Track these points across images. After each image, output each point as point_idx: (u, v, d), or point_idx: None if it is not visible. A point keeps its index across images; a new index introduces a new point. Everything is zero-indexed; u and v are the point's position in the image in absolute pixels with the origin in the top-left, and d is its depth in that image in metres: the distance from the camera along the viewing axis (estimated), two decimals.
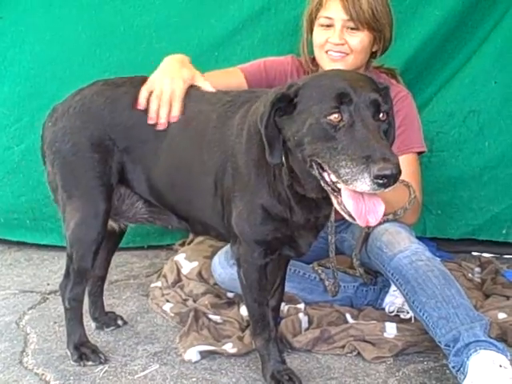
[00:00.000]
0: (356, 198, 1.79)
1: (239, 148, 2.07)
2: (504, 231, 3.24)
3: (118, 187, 2.34)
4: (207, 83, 2.32)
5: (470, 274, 2.85)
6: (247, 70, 2.62)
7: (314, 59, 2.66)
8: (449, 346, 2.09)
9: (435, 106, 3.16)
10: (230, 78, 2.55)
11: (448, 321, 2.12)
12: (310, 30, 2.63)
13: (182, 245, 3.39)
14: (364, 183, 1.70)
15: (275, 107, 1.87)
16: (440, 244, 3.16)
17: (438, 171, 3.11)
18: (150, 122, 2.24)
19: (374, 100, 1.79)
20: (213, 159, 2.16)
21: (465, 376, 2.01)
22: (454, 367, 2.06)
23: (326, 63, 2.56)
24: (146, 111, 2.25)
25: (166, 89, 2.26)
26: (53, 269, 3.35)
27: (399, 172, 1.69)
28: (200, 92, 2.32)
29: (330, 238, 2.42)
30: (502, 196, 3.20)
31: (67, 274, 2.38)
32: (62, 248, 3.43)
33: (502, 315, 2.47)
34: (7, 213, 3.52)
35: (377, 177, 1.68)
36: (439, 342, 2.13)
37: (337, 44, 2.52)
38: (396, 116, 2.55)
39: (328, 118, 1.77)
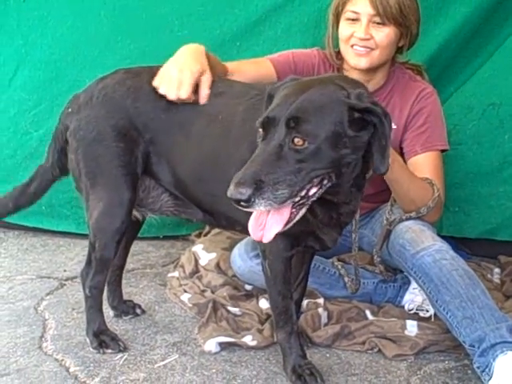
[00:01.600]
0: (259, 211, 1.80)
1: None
2: None
3: (144, 179, 2.30)
4: (207, 91, 2.24)
5: (489, 275, 2.81)
6: (277, 61, 2.57)
7: (338, 53, 2.61)
8: (473, 347, 2.06)
9: (454, 99, 3.07)
10: (260, 68, 2.50)
11: (473, 321, 2.08)
12: (336, 24, 2.58)
13: (198, 235, 3.34)
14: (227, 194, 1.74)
15: (268, 104, 1.90)
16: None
17: (454, 165, 2.99)
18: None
19: (291, 120, 1.75)
20: (240, 152, 2.12)
21: (490, 377, 1.97)
22: (478, 367, 2.03)
23: (351, 57, 2.51)
24: (169, 102, 2.21)
25: (173, 81, 2.21)
26: (69, 255, 3.32)
27: (246, 200, 1.70)
28: (226, 85, 2.28)
29: (353, 235, 2.37)
30: None
31: (89, 262, 2.35)
32: (77, 235, 3.48)
33: None
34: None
35: (228, 197, 1.72)
36: (463, 342, 2.10)
37: (362, 39, 2.47)
38: (420, 113, 2.56)
39: (258, 129, 1.82)
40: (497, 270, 2.90)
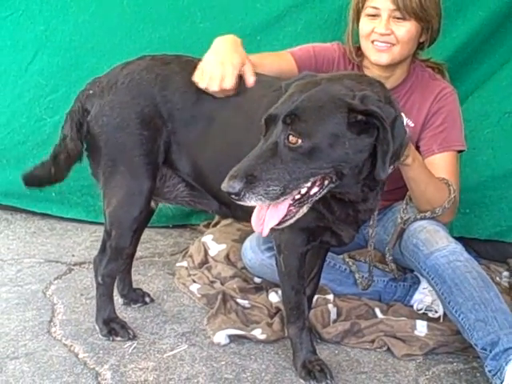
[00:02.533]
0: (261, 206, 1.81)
1: None
2: None
3: (161, 167, 2.25)
4: (252, 77, 2.21)
5: (497, 278, 2.77)
6: (297, 55, 2.52)
7: (358, 49, 2.57)
8: (485, 350, 2.03)
9: (470, 105, 3.05)
10: (282, 62, 2.46)
11: (486, 324, 2.04)
12: (357, 20, 2.53)
13: (207, 226, 3.31)
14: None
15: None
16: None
17: (468, 168, 2.98)
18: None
19: (287, 117, 1.74)
20: None
21: (501, 381, 1.94)
22: (490, 371, 2.00)
23: (372, 53, 2.47)
24: (196, 93, 2.18)
25: (215, 75, 2.17)
26: (77, 240, 3.29)
27: (236, 194, 1.71)
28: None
29: (370, 231, 2.34)
30: None
31: (103, 250, 2.30)
32: (84, 220, 3.44)
33: None
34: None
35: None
36: (475, 345, 2.06)
37: (383, 34, 2.42)
38: (439, 113, 2.51)
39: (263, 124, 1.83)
40: (505, 273, 2.87)
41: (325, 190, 1.81)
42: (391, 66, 2.49)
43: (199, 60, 2.27)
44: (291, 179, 1.73)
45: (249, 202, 1.72)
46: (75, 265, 2.96)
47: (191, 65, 2.23)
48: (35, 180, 2.36)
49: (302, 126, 1.73)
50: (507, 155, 3.05)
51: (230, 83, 2.16)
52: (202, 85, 2.17)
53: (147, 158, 2.18)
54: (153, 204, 2.41)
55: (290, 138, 1.73)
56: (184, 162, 2.23)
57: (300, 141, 1.73)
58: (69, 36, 3.20)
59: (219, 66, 2.18)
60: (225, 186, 1.72)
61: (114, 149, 2.19)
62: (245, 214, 2.24)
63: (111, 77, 2.24)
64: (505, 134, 3.06)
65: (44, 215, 3.54)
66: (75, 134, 2.27)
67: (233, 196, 1.72)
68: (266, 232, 1.81)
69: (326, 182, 1.79)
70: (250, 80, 2.20)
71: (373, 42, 2.45)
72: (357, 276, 2.57)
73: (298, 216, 1.82)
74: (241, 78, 2.20)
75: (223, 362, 2.19)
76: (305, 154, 1.73)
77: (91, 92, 2.24)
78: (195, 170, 2.23)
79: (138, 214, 2.20)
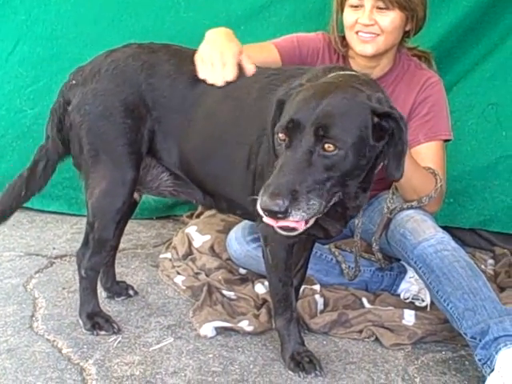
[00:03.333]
0: None
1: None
2: None
3: (145, 157, 2.19)
4: (249, 61, 2.18)
5: (483, 266, 2.76)
6: (281, 46, 2.47)
7: (344, 38, 2.52)
8: (475, 339, 2.00)
9: (455, 96, 3.04)
10: (265, 53, 2.40)
11: (475, 313, 2.02)
12: (341, 11, 2.48)
13: (190, 217, 3.25)
14: (259, 208, 1.66)
15: (277, 110, 1.82)
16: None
17: (452, 159, 2.95)
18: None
19: (320, 128, 1.67)
20: (249, 132, 2.04)
21: (491, 369, 1.91)
22: (480, 360, 1.97)
23: (357, 44, 2.42)
24: (185, 81, 2.14)
25: (217, 64, 2.13)
26: (57, 232, 3.20)
27: (283, 212, 1.63)
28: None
29: (356, 221, 2.30)
30: None
31: (86, 243, 2.24)
32: (65, 213, 3.35)
33: None
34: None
35: (261, 208, 1.65)
36: (464, 334, 2.03)
37: (366, 25, 2.38)
38: (425, 102, 2.48)
39: (279, 134, 1.74)
40: (491, 261, 2.87)
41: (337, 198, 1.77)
42: (377, 56, 2.45)
43: (189, 50, 2.22)
44: (326, 191, 1.69)
45: (292, 219, 1.65)
46: (56, 258, 2.88)
47: (180, 54, 2.19)
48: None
49: (337, 133, 1.67)
50: (491, 146, 3.08)
51: (231, 72, 2.12)
52: (201, 75, 2.12)
53: (131, 147, 2.12)
54: (136, 195, 2.34)
55: (326, 146, 1.67)
56: (169, 151, 2.17)
57: (336, 148, 1.67)
58: (50, 26, 3.13)
59: (219, 56, 2.14)
60: (268, 204, 1.62)
61: (96, 138, 2.12)
62: (230, 206, 2.21)
63: (94, 65, 2.18)
64: (489, 125, 3.08)
65: (22, 207, 3.44)
66: (56, 134, 2.22)
67: (278, 215, 1.63)
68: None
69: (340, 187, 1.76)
70: (250, 68, 2.16)
71: (357, 32, 2.41)
72: (343, 266, 2.53)
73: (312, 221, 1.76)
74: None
75: (210, 355, 2.14)
76: (339, 160, 1.68)
77: (74, 82, 2.18)
78: (181, 159, 2.17)
79: (121, 204, 2.14)
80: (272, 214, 1.64)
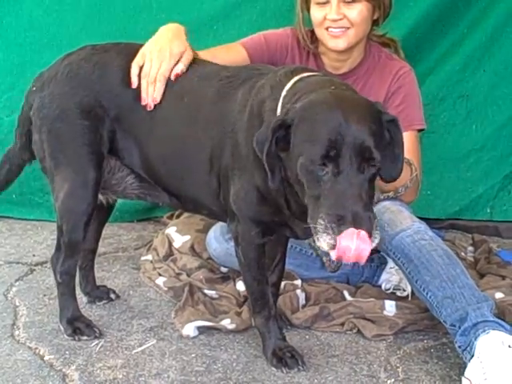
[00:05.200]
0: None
1: (241, 125, 1.94)
2: (488, 210, 3.22)
3: (109, 159, 2.19)
4: (184, 63, 2.15)
5: (462, 253, 2.77)
6: (248, 45, 2.47)
7: (312, 34, 2.52)
8: (454, 326, 2.00)
9: (428, 89, 3.07)
10: (233, 54, 2.39)
11: (454, 300, 2.02)
12: (307, 8, 2.48)
13: (170, 217, 3.23)
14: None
15: (276, 134, 1.73)
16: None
17: (428, 152, 3.00)
18: (143, 102, 2.11)
19: (365, 149, 1.65)
20: (209, 135, 2.03)
21: (471, 355, 1.92)
22: (460, 347, 1.98)
23: (328, 40, 2.42)
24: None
25: (154, 64, 2.12)
26: (37, 239, 3.16)
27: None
28: (196, 65, 2.17)
29: None
30: (485, 177, 3.19)
31: (58, 247, 2.22)
32: (47, 220, 3.32)
33: (499, 295, 2.38)
34: None
35: None
36: (444, 322, 2.04)
37: (335, 20, 2.37)
38: (397, 93, 2.48)
39: (316, 163, 1.66)
40: (470, 248, 2.88)
41: None
42: (349, 49, 2.45)
43: (139, 45, 2.21)
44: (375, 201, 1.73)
45: (375, 242, 1.64)
46: (36, 265, 2.84)
47: (129, 50, 2.19)
48: None
49: (376, 150, 1.66)
50: (463, 139, 3.17)
51: (165, 71, 2.11)
52: (143, 85, 2.11)
53: (90, 148, 2.11)
54: (103, 200, 2.33)
55: (371, 163, 1.66)
56: (131, 152, 2.16)
57: (377, 163, 1.67)
58: (23, 32, 3.11)
59: (157, 55, 2.13)
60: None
61: (55, 141, 2.13)
62: (196, 207, 2.22)
63: (52, 69, 2.20)
64: (460, 117, 3.16)
65: (1, 216, 3.41)
66: (23, 140, 2.25)
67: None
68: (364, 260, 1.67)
69: None
70: (180, 67, 2.13)
71: (327, 28, 2.41)
72: (324, 259, 2.52)
73: None
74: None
75: (193, 355, 2.13)
76: (377, 172, 1.70)
77: (34, 88, 2.20)
78: (143, 160, 2.16)
79: (86, 206, 2.13)
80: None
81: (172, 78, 2.12)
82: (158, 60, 2.13)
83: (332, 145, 1.64)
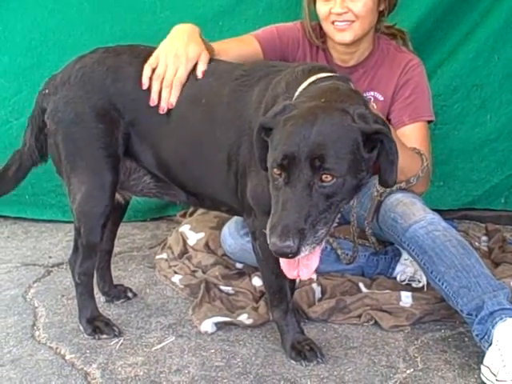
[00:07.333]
0: None
1: (256, 122, 1.94)
2: (502, 200, 3.21)
3: (125, 160, 2.22)
4: (204, 63, 2.18)
5: (476, 243, 2.78)
6: (261, 37, 2.48)
7: (321, 28, 2.53)
8: (471, 315, 2.02)
9: (440, 79, 3.07)
10: (245, 46, 2.41)
11: (470, 290, 2.04)
12: (313, 3, 2.50)
13: (184, 215, 3.25)
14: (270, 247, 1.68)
15: (265, 135, 1.81)
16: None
17: (440, 143, 3.04)
18: (152, 104, 2.13)
19: (317, 162, 1.66)
20: (226, 135, 2.06)
21: (489, 344, 1.94)
22: (477, 335, 1.99)
23: (335, 34, 2.44)
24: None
25: (169, 68, 2.15)
26: (52, 241, 3.20)
27: (295, 252, 1.64)
28: (210, 65, 2.19)
29: (351, 202, 2.28)
30: (501, 167, 3.17)
31: (76, 249, 2.26)
32: (60, 221, 3.36)
33: None
34: None
35: (271, 250, 1.67)
36: (461, 311, 2.05)
37: (340, 13, 2.39)
38: (407, 85, 2.50)
39: (273, 169, 1.72)
40: (484, 237, 2.89)
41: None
42: (356, 42, 2.47)
43: (153, 49, 2.24)
44: (331, 216, 1.71)
45: (303, 254, 1.68)
46: (53, 266, 2.87)
47: (144, 54, 2.20)
48: None
49: (332, 163, 1.67)
50: (477, 128, 3.14)
51: (181, 76, 2.14)
52: (154, 87, 2.13)
53: (106, 151, 2.14)
54: (120, 198, 2.37)
55: (324, 176, 1.67)
56: (147, 154, 2.19)
57: (334, 178, 1.68)
58: (28, 35, 3.11)
59: (173, 60, 2.16)
60: (278, 247, 1.64)
61: (71, 144, 2.15)
62: (214, 204, 2.25)
63: (65, 73, 2.21)
64: (474, 107, 3.13)
65: (17, 218, 3.44)
66: (34, 142, 2.27)
67: (290, 255, 1.66)
68: (309, 275, 1.78)
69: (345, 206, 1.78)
70: (201, 68, 2.16)
71: (333, 22, 2.43)
72: (339, 252, 2.53)
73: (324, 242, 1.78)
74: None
75: (212, 350, 2.15)
76: (338, 188, 1.69)
77: (47, 91, 2.22)
78: (159, 161, 2.19)
79: (103, 208, 2.16)
80: (284, 255, 1.67)
81: (200, 76, 2.15)
82: (174, 66, 2.15)
83: (286, 154, 1.68)
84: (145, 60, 2.19)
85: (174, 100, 2.13)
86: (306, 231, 1.66)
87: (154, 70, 2.17)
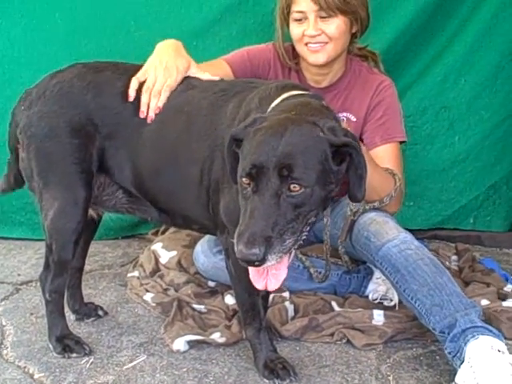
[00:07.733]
0: None
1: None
2: (471, 220, 3.28)
3: (98, 176, 2.20)
4: (201, 72, 2.23)
5: (447, 262, 2.80)
6: (231, 61, 2.52)
7: (294, 49, 2.56)
8: (444, 333, 2.03)
9: (409, 101, 3.13)
10: (216, 70, 2.41)
11: (442, 308, 2.05)
12: (286, 25, 2.53)
13: (156, 233, 3.23)
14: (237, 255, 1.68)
15: (236, 147, 1.82)
16: None
17: (411, 164, 3.09)
18: (142, 115, 2.13)
19: (285, 171, 1.67)
20: (201, 148, 2.06)
21: (462, 361, 1.95)
22: (450, 353, 2.00)
23: (308, 56, 2.47)
24: (135, 99, 2.15)
25: (159, 80, 2.17)
26: (21, 259, 3.14)
27: (261, 260, 1.65)
28: (191, 79, 2.22)
29: (325, 219, 2.31)
30: (469, 187, 3.24)
31: (47, 266, 2.22)
32: (29, 239, 3.30)
33: (484, 302, 2.42)
34: None
35: (238, 257, 1.68)
36: (433, 329, 2.07)
37: (313, 36, 2.43)
38: (379, 106, 2.53)
39: (242, 178, 1.73)
40: (454, 257, 2.92)
41: (311, 226, 1.79)
42: (329, 63, 2.50)
43: (134, 65, 2.25)
44: (298, 226, 1.71)
45: (270, 263, 1.67)
46: (22, 284, 2.82)
47: (127, 69, 2.22)
48: None
49: (300, 172, 1.68)
50: (446, 149, 3.21)
51: (172, 83, 2.17)
52: (143, 99, 2.14)
53: (79, 166, 2.12)
54: (94, 214, 2.35)
55: (292, 186, 1.68)
56: (122, 167, 2.18)
57: (302, 187, 1.68)
58: (1, 51, 3.08)
59: (163, 72, 2.17)
60: (244, 254, 1.64)
61: (44, 159, 2.13)
62: (186, 222, 2.24)
63: (40, 87, 2.20)
64: (442, 129, 3.20)
65: None
66: (13, 161, 2.26)
67: (256, 263, 1.66)
68: (276, 285, 1.76)
69: (313, 219, 1.77)
70: (204, 77, 2.21)
71: (306, 44, 2.46)
72: (312, 270, 2.54)
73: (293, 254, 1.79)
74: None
75: (184, 369, 2.13)
76: (306, 198, 1.69)
77: (22, 107, 2.20)
78: (133, 176, 2.19)
79: (76, 224, 2.13)
80: (250, 262, 1.67)
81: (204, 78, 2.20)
82: (165, 77, 2.17)
83: (255, 164, 1.69)
84: (126, 76, 2.20)
85: (161, 104, 2.14)
86: (272, 239, 1.66)
87: (140, 84, 2.17)
